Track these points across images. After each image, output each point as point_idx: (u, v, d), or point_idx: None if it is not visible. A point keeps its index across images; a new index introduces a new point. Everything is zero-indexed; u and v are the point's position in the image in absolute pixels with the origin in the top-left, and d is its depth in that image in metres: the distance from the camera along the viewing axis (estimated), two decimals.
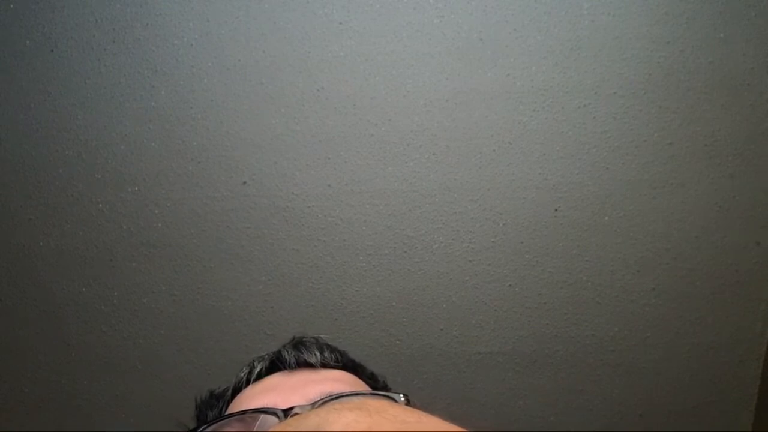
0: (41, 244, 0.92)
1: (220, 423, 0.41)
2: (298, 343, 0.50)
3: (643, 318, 0.88)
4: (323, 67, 0.88)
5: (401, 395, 0.43)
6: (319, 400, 0.40)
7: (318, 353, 0.48)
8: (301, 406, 0.39)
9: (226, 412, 0.46)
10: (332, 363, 0.48)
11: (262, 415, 0.39)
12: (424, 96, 0.88)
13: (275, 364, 0.48)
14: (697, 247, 0.87)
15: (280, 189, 0.90)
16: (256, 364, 0.49)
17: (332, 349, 0.50)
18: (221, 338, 0.92)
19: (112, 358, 0.92)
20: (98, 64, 0.90)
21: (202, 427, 0.41)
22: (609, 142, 0.87)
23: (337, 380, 0.46)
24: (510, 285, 0.89)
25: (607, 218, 0.87)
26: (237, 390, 0.48)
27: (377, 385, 0.51)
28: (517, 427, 0.91)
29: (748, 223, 0.86)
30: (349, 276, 0.90)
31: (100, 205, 0.91)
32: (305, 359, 0.47)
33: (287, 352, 0.48)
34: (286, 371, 0.47)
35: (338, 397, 0.41)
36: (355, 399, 0.39)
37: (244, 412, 0.41)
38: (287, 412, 0.38)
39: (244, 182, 0.90)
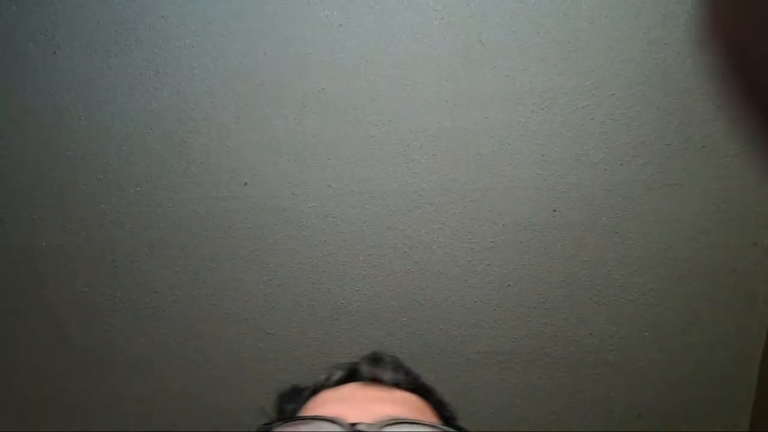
0: (44, 244, 0.92)
1: (294, 422, 0.46)
2: (375, 359, 0.54)
3: (641, 318, 0.89)
4: (324, 68, 0.89)
5: None
6: (381, 422, 0.44)
7: (392, 372, 0.51)
8: (366, 424, 0.43)
9: (302, 411, 0.51)
10: (404, 384, 0.51)
11: (330, 423, 0.44)
12: (423, 97, 0.88)
13: (351, 375, 0.52)
14: (694, 248, 0.88)
15: (281, 189, 0.90)
16: (334, 372, 0.53)
17: (406, 371, 0.53)
18: (223, 337, 0.92)
19: (113, 357, 0.93)
20: (100, 66, 0.90)
21: (276, 423, 0.46)
22: (607, 143, 0.87)
23: (405, 403, 0.49)
24: (509, 285, 0.90)
25: (605, 218, 0.88)
26: (315, 391, 0.53)
27: (444, 412, 0.53)
28: (516, 427, 0.91)
29: (745, 223, 0.87)
30: (348, 276, 0.91)
31: (102, 206, 0.92)
32: (379, 376, 0.51)
33: (364, 366, 0.52)
34: (360, 383, 0.51)
35: (401, 422, 0.44)
36: (415, 428, 0.44)
37: (315, 417, 0.45)
38: (353, 426, 0.43)
39: (246, 183, 0.91)
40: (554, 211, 0.88)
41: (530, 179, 0.88)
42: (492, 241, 0.89)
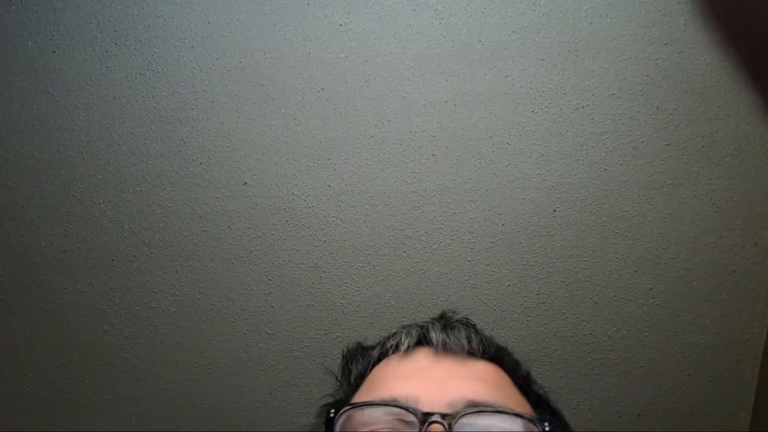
0: (43, 244, 0.92)
1: (363, 408, 0.44)
2: (446, 325, 0.51)
3: (640, 318, 0.89)
4: (323, 68, 0.89)
5: (546, 424, 0.43)
6: (457, 411, 0.42)
7: (466, 342, 0.49)
8: (440, 414, 0.41)
9: (369, 378, 0.49)
10: (478, 353, 0.49)
11: (402, 410, 0.42)
12: (423, 97, 0.88)
13: (421, 341, 0.50)
14: (694, 248, 0.88)
15: (280, 189, 0.90)
16: (403, 338, 0.50)
17: (480, 338, 0.50)
18: (222, 338, 0.92)
19: (113, 357, 0.93)
20: (100, 66, 0.90)
21: (346, 408, 0.45)
22: (607, 143, 0.87)
23: (483, 380, 0.46)
24: (509, 285, 0.90)
25: (605, 218, 0.88)
26: (383, 355, 0.51)
27: (518, 379, 0.51)
28: None
29: (745, 223, 0.87)
30: (348, 276, 0.91)
31: (102, 206, 0.92)
32: (451, 346, 0.48)
33: (435, 331, 0.49)
34: (431, 350, 0.49)
35: (479, 411, 0.42)
36: (494, 418, 0.41)
37: (388, 404, 0.43)
38: (426, 417, 0.41)
39: (245, 183, 0.91)
40: (554, 210, 0.88)
41: (530, 179, 0.88)
42: (492, 241, 0.89)
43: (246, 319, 0.92)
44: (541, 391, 0.52)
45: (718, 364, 0.89)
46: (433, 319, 0.52)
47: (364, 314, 0.91)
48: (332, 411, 0.45)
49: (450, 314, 0.53)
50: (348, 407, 0.45)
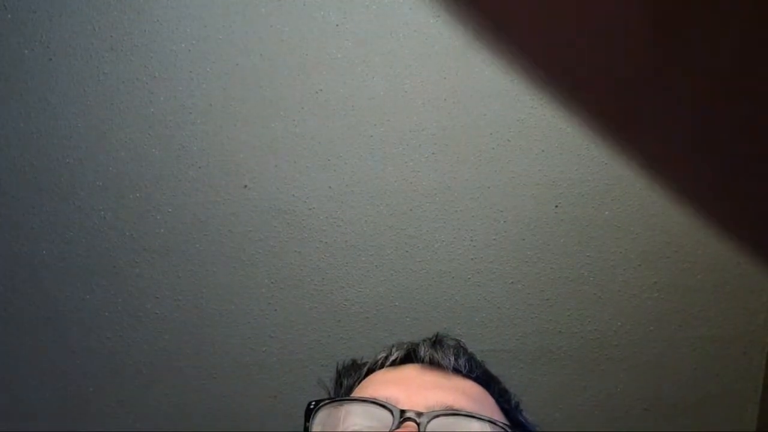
0: (44, 252, 0.92)
1: (346, 402, 0.45)
2: (437, 342, 0.52)
3: (645, 312, 0.88)
4: (321, 69, 0.88)
5: None
6: (433, 411, 0.42)
7: (453, 358, 0.49)
8: (416, 412, 0.41)
9: (357, 388, 0.50)
10: (464, 371, 0.49)
11: (380, 407, 0.43)
12: (422, 95, 0.88)
13: (410, 357, 0.51)
14: (698, 240, 0.87)
15: (280, 191, 0.90)
16: (393, 351, 0.51)
17: (468, 358, 0.51)
18: (225, 342, 0.92)
19: (116, 363, 0.93)
20: (97, 72, 0.90)
21: (327, 401, 0.46)
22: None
23: (462, 392, 0.47)
24: (512, 282, 0.89)
25: (607, 213, 0.88)
26: (372, 370, 0.52)
27: (504, 404, 0.51)
28: None
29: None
30: (351, 277, 0.90)
31: (102, 212, 0.91)
32: (438, 360, 0.49)
33: (424, 347, 0.50)
34: (419, 365, 0.49)
35: (454, 414, 0.42)
36: (467, 421, 0.42)
37: (365, 400, 0.44)
38: (402, 413, 0.41)
39: (245, 186, 0.90)
40: (556, 206, 0.88)
41: (531, 175, 0.88)
42: (494, 239, 0.89)
43: (249, 322, 0.92)
44: (528, 422, 0.52)
45: (725, 357, 0.88)
46: (425, 338, 0.53)
47: (368, 315, 0.91)
48: (312, 403, 0.46)
49: (443, 335, 0.54)
50: (327, 401, 0.46)
